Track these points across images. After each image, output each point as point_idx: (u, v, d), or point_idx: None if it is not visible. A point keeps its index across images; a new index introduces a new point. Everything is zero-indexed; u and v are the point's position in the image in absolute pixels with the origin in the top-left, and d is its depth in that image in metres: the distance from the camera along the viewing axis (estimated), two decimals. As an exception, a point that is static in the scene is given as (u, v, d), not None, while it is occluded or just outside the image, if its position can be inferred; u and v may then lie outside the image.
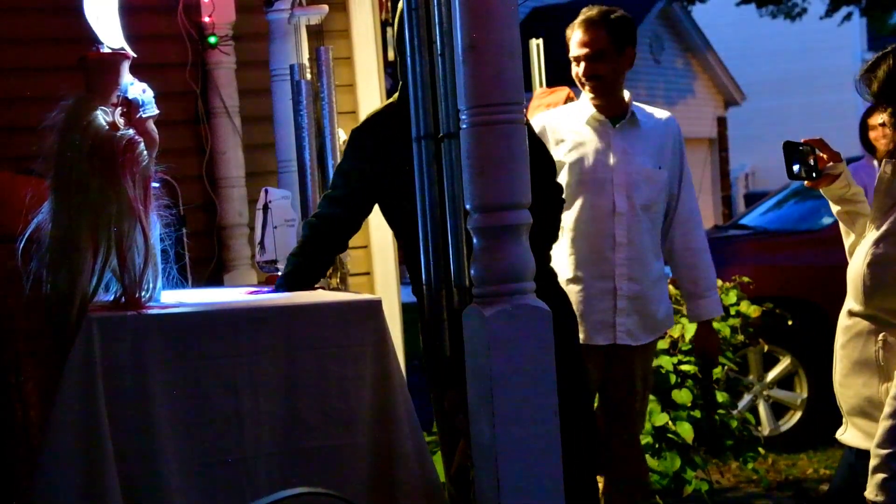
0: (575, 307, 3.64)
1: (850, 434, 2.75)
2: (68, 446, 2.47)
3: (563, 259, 3.86)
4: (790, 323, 6.09)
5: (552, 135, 3.93)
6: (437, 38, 2.80)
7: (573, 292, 3.81)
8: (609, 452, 3.88)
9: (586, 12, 3.93)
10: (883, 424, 2.51)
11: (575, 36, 3.93)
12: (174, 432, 2.56)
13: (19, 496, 2.74)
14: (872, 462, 2.51)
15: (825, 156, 2.87)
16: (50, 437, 2.49)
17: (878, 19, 21.55)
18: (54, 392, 2.52)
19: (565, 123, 3.97)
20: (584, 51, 3.89)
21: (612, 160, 3.90)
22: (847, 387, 2.72)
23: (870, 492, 2.50)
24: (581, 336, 3.77)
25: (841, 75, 24.32)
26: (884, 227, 2.65)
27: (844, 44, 24.73)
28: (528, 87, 5.17)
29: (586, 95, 3.97)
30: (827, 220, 6.72)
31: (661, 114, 4.07)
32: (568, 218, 3.84)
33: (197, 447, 2.59)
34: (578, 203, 3.85)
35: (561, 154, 3.88)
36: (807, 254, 6.82)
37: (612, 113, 3.95)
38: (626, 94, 4.02)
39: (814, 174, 2.88)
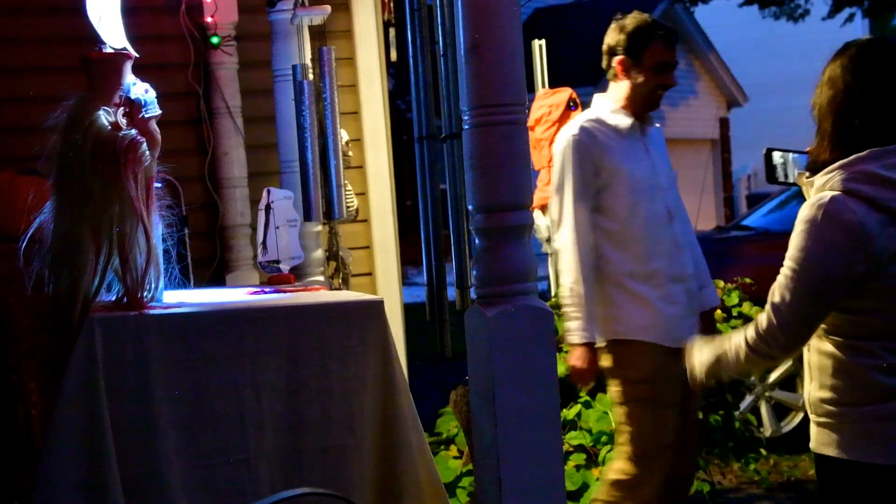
0: (657, 312, 3.78)
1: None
2: (70, 446, 2.47)
3: (635, 265, 3.87)
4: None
5: (600, 145, 3.90)
6: (440, 39, 2.80)
7: (654, 298, 3.85)
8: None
9: (663, 27, 4.02)
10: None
11: (660, 46, 3.95)
12: (176, 432, 2.56)
13: (20, 496, 2.74)
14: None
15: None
16: (52, 436, 2.49)
17: (880, 20, 21.55)
18: (56, 392, 2.52)
19: (611, 133, 3.94)
20: (671, 63, 3.97)
21: (655, 166, 3.96)
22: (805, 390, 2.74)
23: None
24: (668, 340, 3.78)
25: (843, 77, 24.29)
26: None
27: (847, 45, 24.70)
28: (531, 88, 5.18)
29: (643, 105, 3.96)
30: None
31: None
32: (630, 225, 3.86)
33: (199, 447, 2.59)
34: (638, 210, 3.87)
35: (614, 163, 3.87)
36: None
37: (642, 121, 3.99)
38: None
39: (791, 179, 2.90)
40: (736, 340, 2.67)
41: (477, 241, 2.55)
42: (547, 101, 6.03)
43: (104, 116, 2.73)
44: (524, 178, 2.52)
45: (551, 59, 6.64)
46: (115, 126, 2.74)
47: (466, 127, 2.54)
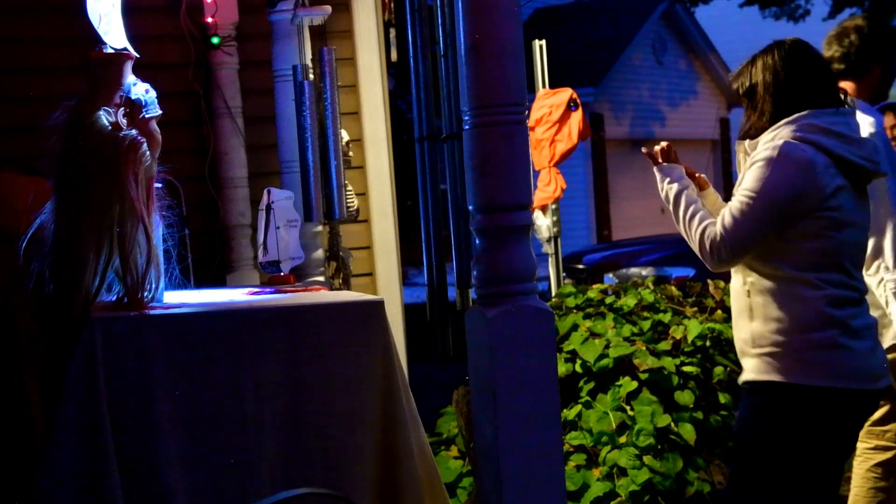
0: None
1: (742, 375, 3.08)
2: (70, 446, 2.47)
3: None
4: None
5: None
6: (440, 39, 2.81)
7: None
8: None
9: None
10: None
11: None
12: (176, 432, 2.56)
13: (21, 496, 2.74)
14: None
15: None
16: (52, 437, 2.49)
17: (881, 21, 21.53)
18: (56, 392, 2.52)
19: None
20: None
21: None
22: (735, 336, 3.11)
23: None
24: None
25: (844, 77, 24.31)
26: None
27: (847, 45, 24.71)
28: (531, 88, 5.19)
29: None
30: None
31: None
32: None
33: (199, 447, 2.59)
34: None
35: None
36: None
37: None
38: None
39: None
40: (703, 220, 3.03)
41: (477, 241, 2.55)
42: (547, 101, 6.03)
43: (105, 117, 2.73)
44: (524, 179, 2.52)
45: (551, 59, 6.64)
46: (116, 126, 2.74)
47: (467, 127, 2.54)
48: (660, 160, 3.25)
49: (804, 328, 2.90)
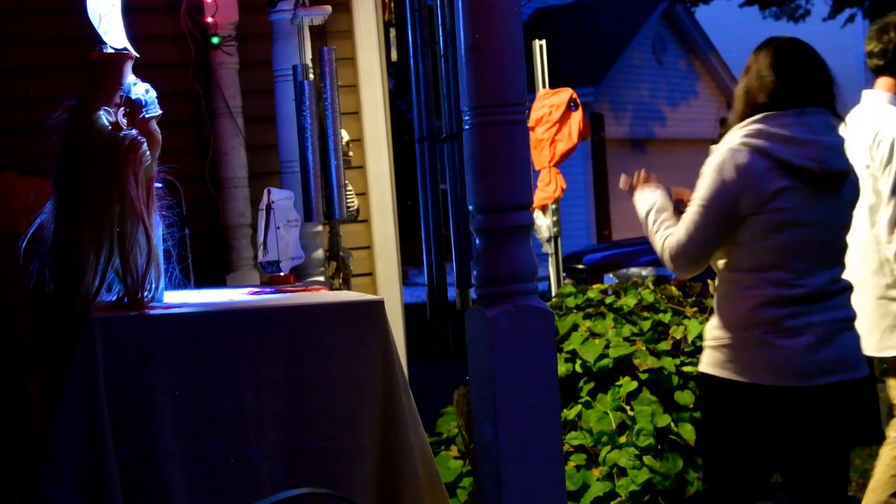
0: None
1: None
2: (70, 446, 2.47)
3: None
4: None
5: None
6: (440, 39, 2.80)
7: None
8: None
9: None
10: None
11: None
12: (176, 432, 2.56)
13: (21, 496, 2.74)
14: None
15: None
16: (51, 437, 2.49)
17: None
18: (56, 392, 2.52)
19: None
20: None
21: None
22: None
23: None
24: None
25: (844, 76, 24.26)
26: None
27: (847, 45, 24.66)
28: (531, 88, 5.19)
29: None
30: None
31: None
32: None
33: (199, 448, 2.59)
34: None
35: None
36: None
37: None
38: None
39: None
40: (665, 231, 3.16)
41: (477, 241, 2.55)
42: (547, 101, 6.02)
43: (105, 116, 2.74)
44: (524, 179, 2.52)
45: (551, 59, 6.64)
46: (116, 126, 2.74)
47: (467, 127, 2.54)
48: (636, 187, 3.35)
49: (736, 326, 3.04)
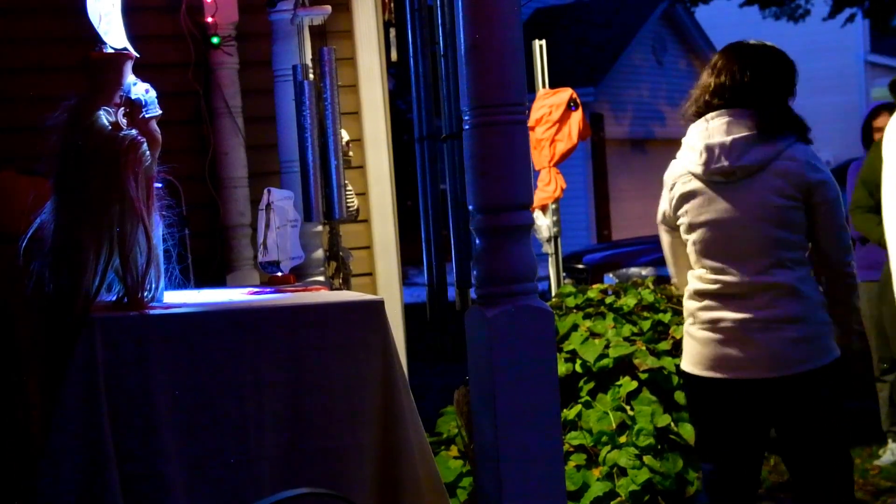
0: None
1: None
2: (70, 447, 2.47)
3: None
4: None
5: None
6: (440, 39, 2.80)
7: None
8: None
9: None
10: None
11: None
12: (176, 432, 2.56)
13: (20, 496, 2.74)
14: None
15: None
16: (51, 437, 2.49)
17: (881, 21, 21.54)
18: (56, 392, 2.52)
19: None
20: None
21: None
22: None
23: None
24: None
25: (844, 77, 24.27)
26: None
27: (847, 45, 24.69)
28: (531, 88, 5.20)
29: None
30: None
31: None
32: None
33: (199, 448, 2.59)
34: None
35: None
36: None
37: None
38: None
39: None
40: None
41: (477, 241, 2.55)
42: (547, 101, 6.03)
43: (104, 116, 2.73)
44: (524, 178, 2.52)
45: (551, 59, 6.64)
46: (116, 126, 2.74)
47: (467, 127, 2.54)
48: None
49: (686, 320, 3.40)
